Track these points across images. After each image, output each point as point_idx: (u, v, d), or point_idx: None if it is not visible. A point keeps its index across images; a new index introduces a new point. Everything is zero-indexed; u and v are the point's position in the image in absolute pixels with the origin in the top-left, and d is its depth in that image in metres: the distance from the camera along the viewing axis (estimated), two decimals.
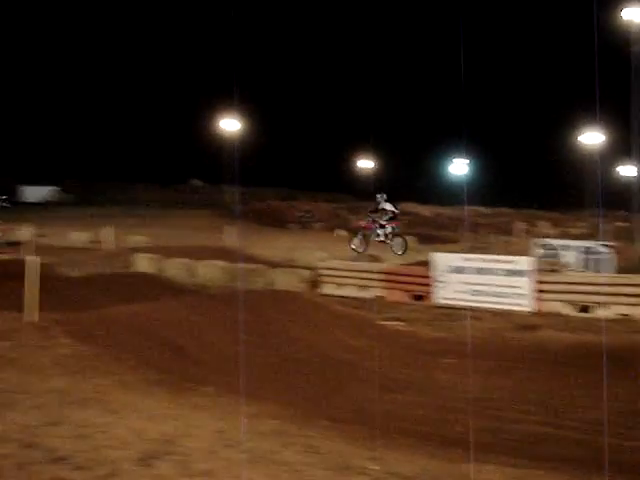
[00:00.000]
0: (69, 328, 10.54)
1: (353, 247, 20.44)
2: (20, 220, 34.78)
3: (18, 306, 11.71)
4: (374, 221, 20.15)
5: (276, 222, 42.79)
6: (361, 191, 61.01)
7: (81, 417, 7.40)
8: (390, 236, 19.89)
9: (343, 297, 17.23)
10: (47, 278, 15.04)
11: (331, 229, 42.28)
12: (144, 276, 17.41)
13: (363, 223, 20.70)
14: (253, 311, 12.89)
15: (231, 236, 26.57)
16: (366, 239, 20.42)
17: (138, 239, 26.65)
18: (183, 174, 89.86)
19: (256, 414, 8.14)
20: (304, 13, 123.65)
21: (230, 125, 56.84)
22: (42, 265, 12.20)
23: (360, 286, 17.75)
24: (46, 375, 9.12)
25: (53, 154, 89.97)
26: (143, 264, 19.51)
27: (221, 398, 8.63)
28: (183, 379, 9.33)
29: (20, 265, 18.22)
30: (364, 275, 17.95)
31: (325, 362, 11.29)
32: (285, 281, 17.81)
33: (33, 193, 77.22)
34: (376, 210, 20.42)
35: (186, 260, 19.05)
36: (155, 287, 15.42)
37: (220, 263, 18.66)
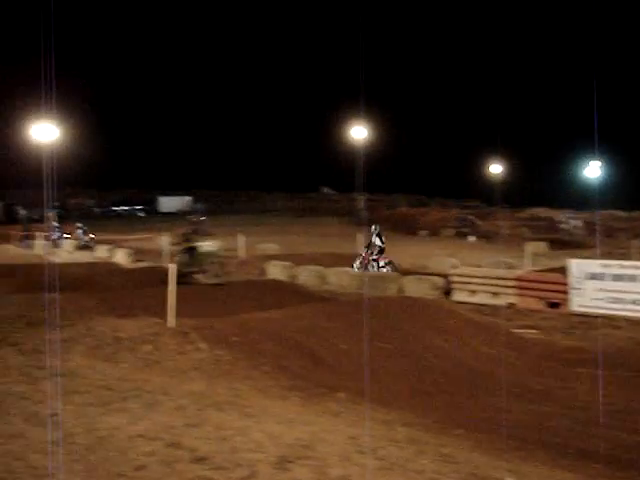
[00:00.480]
0: (206, 333, 10.86)
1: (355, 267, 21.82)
2: (154, 229, 36.24)
3: (156, 312, 12.18)
4: (369, 254, 22.00)
5: (406, 229, 42.58)
6: (491, 197, 60.05)
7: (219, 420, 7.62)
8: (386, 269, 21.54)
9: (475, 304, 16.96)
10: (183, 285, 15.62)
11: (461, 236, 41.75)
12: (277, 283, 17.73)
13: (363, 254, 22.36)
14: (384, 318, 12.89)
15: (361, 243, 26.71)
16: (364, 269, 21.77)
17: (270, 247, 27.18)
18: (314, 182, 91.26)
19: (389, 421, 8.13)
20: (430, 18, 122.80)
21: (359, 133, 57.11)
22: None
23: (493, 293, 17.41)
24: (186, 378, 9.45)
25: (188, 165, 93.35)
26: (275, 271, 19.91)
27: (354, 404, 8.67)
28: (316, 385, 9.43)
29: (156, 272, 19.09)
30: (497, 282, 17.59)
31: (458, 370, 11.14)
32: (416, 288, 17.72)
33: (168, 203, 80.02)
34: (369, 244, 22.29)
35: (318, 267, 19.29)
36: (288, 294, 15.66)
37: (351, 270, 18.78)
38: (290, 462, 6.27)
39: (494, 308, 16.44)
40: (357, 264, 22.10)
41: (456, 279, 18.36)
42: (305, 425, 7.51)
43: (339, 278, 18.77)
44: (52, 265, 21.18)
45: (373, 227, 22.73)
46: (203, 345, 10.47)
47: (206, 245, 17.55)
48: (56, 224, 34.52)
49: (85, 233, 33.24)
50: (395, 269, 21.77)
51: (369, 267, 21.71)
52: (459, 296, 17.84)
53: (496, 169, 67.62)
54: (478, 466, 6.69)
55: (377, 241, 22.13)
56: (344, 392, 9.06)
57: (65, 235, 32.86)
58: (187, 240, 18.15)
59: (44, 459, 6.36)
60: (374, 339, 11.56)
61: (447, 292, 18.27)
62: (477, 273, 18.55)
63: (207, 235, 18.19)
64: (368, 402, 8.76)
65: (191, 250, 17.79)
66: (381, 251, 22.09)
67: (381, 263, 21.69)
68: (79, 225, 34.11)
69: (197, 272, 17.47)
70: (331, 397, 8.90)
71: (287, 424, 7.50)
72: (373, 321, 12.31)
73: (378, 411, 8.48)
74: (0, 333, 12.37)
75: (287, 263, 20.39)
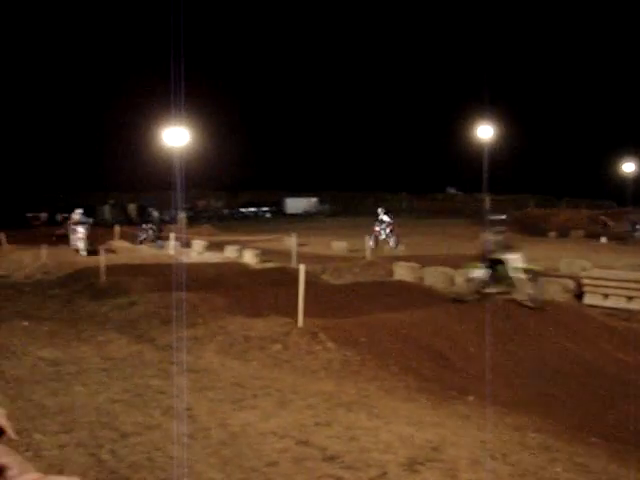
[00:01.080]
0: (335, 334, 10.96)
1: (370, 244, 26.21)
2: (281, 230, 36.81)
3: (285, 311, 12.39)
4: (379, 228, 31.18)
5: (535, 230, 41.44)
6: (623, 196, 57.65)
7: (348, 419, 7.68)
8: (389, 236, 30.82)
9: (609, 308, 16.31)
10: (311, 285, 15.81)
11: (592, 237, 40.29)
12: (404, 284, 17.65)
13: (375, 228, 31.17)
14: (515, 320, 12.63)
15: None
16: (375, 239, 30.10)
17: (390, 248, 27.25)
18: (439, 183, 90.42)
19: (519, 426, 7.95)
20: (556, 16, 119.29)
21: (485, 132, 56.16)
22: (306, 273, 12.80)
23: (628, 297, 16.69)
24: (315, 378, 9.58)
25: (315, 166, 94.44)
26: (402, 272, 19.83)
27: (483, 408, 8.53)
28: (445, 387, 9.35)
29: (284, 273, 19.42)
30: (632, 285, 16.86)
31: (592, 376, 10.76)
32: (548, 291, 17.21)
33: (294, 204, 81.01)
34: (381, 221, 31.34)
35: (445, 268, 19.09)
36: (415, 295, 15.57)
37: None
38: (420, 464, 6.25)
39: (629, 313, 15.76)
40: (370, 241, 27.06)
41: (588, 282, 17.71)
42: (434, 427, 7.46)
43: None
44: (183, 265, 21.89)
45: (380, 209, 32.20)
46: (332, 345, 10.56)
47: (514, 259, 14.69)
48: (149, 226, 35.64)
49: (155, 232, 34.34)
50: (396, 238, 31.02)
51: (380, 236, 30.91)
52: (591, 300, 17.20)
53: (629, 168, 64.93)
54: (615, 477, 6.46)
55: (385, 217, 31.30)
56: (473, 395, 8.94)
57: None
58: (493, 252, 15.19)
59: (181, 450, 6.61)
60: (503, 342, 11.34)
61: (578, 295, 17.65)
62: (611, 276, 17.83)
63: (510, 247, 15.15)
64: (497, 406, 8.61)
65: (496, 264, 15.06)
66: (389, 225, 31.25)
67: (387, 231, 30.98)
68: (148, 227, 35.19)
69: (503, 292, 15.01)
70: (460, 400, 8.79)
71: (416, 426, 7.47)
72: (502, 323, 12.09)
73: (508, 415, 8.32)
74: (137, 330, 12.95)
75: (414, 264, 20.25)
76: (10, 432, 2.08)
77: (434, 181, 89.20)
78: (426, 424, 7.57)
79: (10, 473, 1.73)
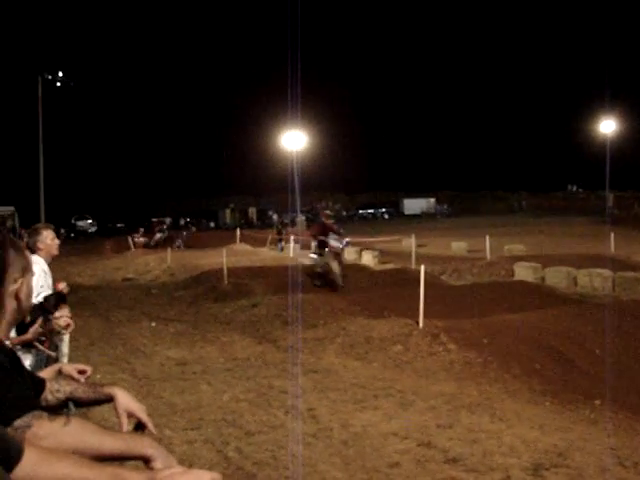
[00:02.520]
0: (455, 335, 10.86)
1: None
2: (400, 231, 36.69)
3: (405, 313, 12.37)
4: None
5: None
6: None
7: (470, 422, 7.61)
8: None
9: None
10: (431, 286, 15.70)
11: None
12: (525, 285, 17.23)
13: None
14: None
15: (613, 243, 25.31)
16: None
17: (516, 247, 26.60)
18: (560, 180, 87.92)
19: None
20: None
21: (608, 126, 54.22)
22: (426, 273, 12.74)
23: None
24: (436, 379, 9.52)
25: (432, 166, 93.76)
26: (523, 273, 19.40)
27: (611, 413, 8.24)
28: (569, 390, 9.09)
29: (403, 274, 19.36)
30: None
31: None
32: None
33: (411, 205, 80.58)
34: None
35: (567, 268, 18.55)
36: (537, 296, 15.18)
37: (603, 271, 17.86)
38: (545, 469, 6.12)
39: None
40: None
41: None
42: (559, 432, 7.28)
43: (591, 280, 17.90)
44: (303, 267, 22.18)
45: None
46: (453, 346, 10.48)
47: None
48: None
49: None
50: None
51: None
52: None
53: None
54: None
55: None
56: (600, 399, 8.64)
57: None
58: None
59: (304, 449, 6.73)
60: (630, 344, 10.92)
61: None
62: None
63: None
64: (627, 411, 8.30)
65: None
66: None
67: None
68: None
69: None
70: (586, 404, 8.52)
71: (540, 430, 7.32)
72: (628, 324, 11.63)
73: (639, 422, 8.00)
74: (260, 331, 13.24)
75: (535, 264, 19.75)
76: (150, 427, 2.21)
77: (554, 179, 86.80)
78: (551, 428, 7.39)
79: (155, 464, 1.84)
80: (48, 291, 5.49)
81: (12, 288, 1.43)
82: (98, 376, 9.19)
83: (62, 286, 6.51)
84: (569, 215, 55.73)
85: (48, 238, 5.99)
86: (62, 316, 5.17)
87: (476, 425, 7.46)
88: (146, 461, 1.88)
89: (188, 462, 6.35)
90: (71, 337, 8.79)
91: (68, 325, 5.24)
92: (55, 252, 6.10)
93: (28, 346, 4.77)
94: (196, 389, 9.24)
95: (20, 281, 1.45)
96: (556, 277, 18.71)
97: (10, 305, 1.43)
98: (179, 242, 36.03)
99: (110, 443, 1.90)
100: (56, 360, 5.13)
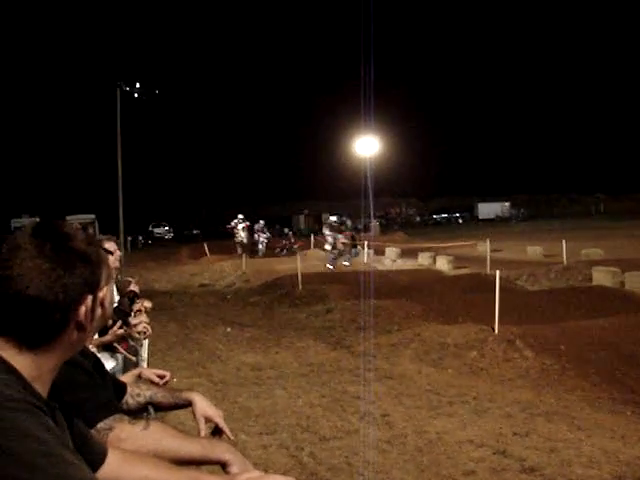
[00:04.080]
0: (532, 341, 10.67)
1: None
2: (474, 236, 36.26)
3: (480, 318, 12.23)
4: None
5: None
6: None
7: (548, 430, 7.46)
8: None
9: None
10: (506, 291, 15.47)
11: None
12: (603, 290, 16.80)
13: None
14: None
15: None
16: None
17: (594, 251, 25.95)
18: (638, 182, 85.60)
19: None
20: None
21: None
22: (501, 279, 12.56)
23: None
24: (512, 386, 9.38)
25: (507, 170, 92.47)
26: (601, 277, 18.93)
27: None
28: None
29: (478, 279, 19.14)
30: None
31: None
32: None
33: (486, 209, 79.61)
34: None
35: None
36: (616, 302, 14.78)
37: None
38: None
39: None
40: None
41: None
42: None
43: None
44: (377, 272, 22.13)
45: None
46: (529, 353, 10.30)
47: None
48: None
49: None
50: None
51: None
52: None
53: None
54: None
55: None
56: None
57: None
58: None
59: (378, 456, 6.72)
60: None
61: None
62: None
63: None
64: None
65: None
66: None
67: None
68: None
69: None
70: None
71: (622, 440, 7.12)
72: None
73: None
74: (334, 336, 13.28)
75: (614, 269, 19.24)
76: (227, 432, 2.25)
77: (633, 180, 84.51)
78: (633, 439, 7.18)
79: (232, 469, 1.88)
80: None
81: (101, 294, 1.48)
82: (175, 380, 9.35)
83: (133, 286, 6.69)
84: None
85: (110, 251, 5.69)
86: (140, 322, 5.31)
87: (554, 434, 7.31)
88: (223, 466, 1.92)
89: (263, 467, 6.41)
90: (149, 342, 9.01)
91: (146, 331, 5.38)
92: (116, 264, 5.64)
93: (109, 349, 4.92)
94: (271, 394, 9.32)
95: (105, 288, 1.50)
96: (636, 282, 18.16)
97: (97, 312, 1.48)
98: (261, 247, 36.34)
99: (188, 447, 1.95)
100: (136, 365, 5.26)
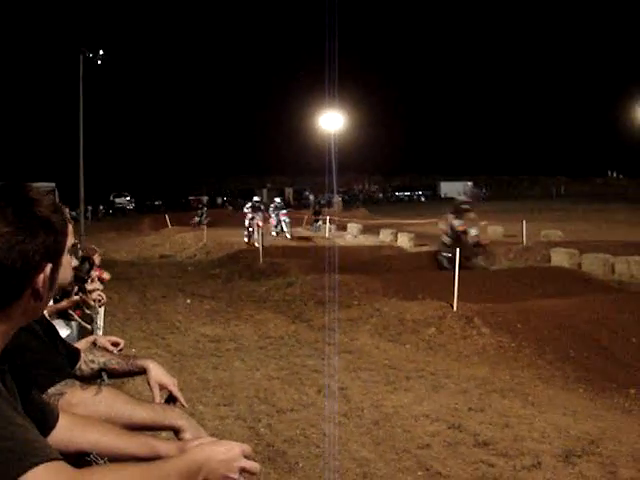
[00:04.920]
0: (489, 319, 10.80)
1: None
2: (436, 214, 36.45)
3: (439, 295, 12.32)
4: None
5: None
6: None
7: (502, 406, 7.58)
8: None
9: None
10: (466, 269, 15.60)
11: None
12: (560, 271, 17.04)
13: None
14: None
15: None
16: None
17: (553, 233, 26.27)
18: (600, 167, 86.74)
19: None
20: None
21: None
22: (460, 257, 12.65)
23: None
24: (469, 362, 9.50)
25: (469, 149, 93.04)
26: (559, 259, 19.19)
27: None
28: (603, 378, 8.99)
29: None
30: None
31: None
32: None
33: (448, 188, 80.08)
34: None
35: (605, 255, 18.30)
36: (573, 282, 15.00)
37: None
38: (576, 456, 6.07)
39: None
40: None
41: None
42: (592, 420, 7.22)
43: (629, 267, 17.65)
44: (338, 247, 22.17)
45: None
46: (486, 330, 10.43)
47: None
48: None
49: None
50: None
51: None
52: None
53: None
54: None
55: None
56: (635, 388, 8.54)
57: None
58: None
59: (335, 428, 6.77)
60: None
61: None
62: None
63: None
64: None
65: None
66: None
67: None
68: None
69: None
70: (620, 392, 8.43)
71: (572, 416, 7.26)
72: None
73: None
74: (294, 310, 13.30)
75: (572, 250, 19.51)
76: (181, 399, 2.24)
77: (594, 164, 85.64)
78: (584, 415, 7.34)
79: (184, 435, 1.87)
80: None
81: (62, 263, 1.44)
82: (133, 350, 9.31)
83: (97, 257, 6.63)
84: (608, 201, 54.92)
85: None
86: (95, 290, 5.26)
87: (507, 410, 7.43)
88: (176, 432, 1.91)
89: (219, 437, 6.36)
90: (108, 312, 8.94)
91: (101, 299, 5.33)
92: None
93: (64, 317, 4.87)
94: (229, 366, 9.33)
95: (66, 256, 1.47)
96: (593, 264, 18.46)
97: (56, 280, 1.44)
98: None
99: (141, 413, 1.93)
100: (91, 332, 5.22)
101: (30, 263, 1.35)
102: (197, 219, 35.22)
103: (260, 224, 26.15)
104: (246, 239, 26.58)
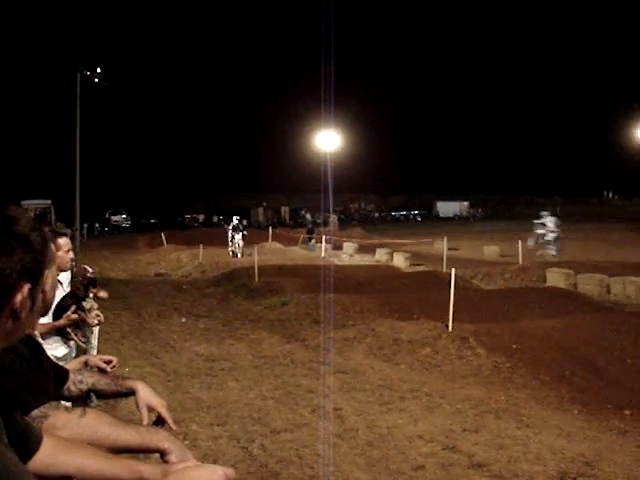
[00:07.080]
0: (485, 339, 10.78)
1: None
2: (432, 234, 36.49)
3: (435, 315, 12.31)
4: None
5: None
6: None
7: (497, 427, 7.55)
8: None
9: None
10: (461, 289, 15.61)
11: None
12: (556, 291, 17.05)
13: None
14: None
15: None
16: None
17: (548, 253, 26.34)
18: (596, 187, 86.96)
19: None
20: None
21: None
22: (456, 277, 12.66)
23: None
24: (464, 383, 9.47)
25: (466, 169, 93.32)
26: (555, 278, 19.22)
27: None
28: (598, 399, 8.97)
29: (433, 277, 19.30)
30: None
31: None
32: None
33: (445, 208, 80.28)
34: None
35: (601, 276, 18.32)
36: (569, 303, 15.00)
37: (637, 279, 17.59)
38: (572, 478, 6.05)
39: None
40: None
41: None
42: (587, 441, 7.19)
43: (624, 287, 17.67)
44: (334, 267, 22.17)
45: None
46: (482, 351, 10.41)
47: None
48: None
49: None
50: None
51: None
52: None
53: None
54: None
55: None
56: (630, 409, 8.52)
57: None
58: None
59: (329, 449, 6.73)
60: None
61: None
62: None
63: None
64: None
65: None
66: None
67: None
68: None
69: None
70: (616, 414, 8.40)
71: (567, 438, 7.23)
72: None
73: None
74: (289, 329, 13.27)
75: (567, 270, 19.55)
76: (170, 421, 2.22)
77: (590, 185, 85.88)
78: (579, 437, 7.30)
79: (170, 458, 1.86)
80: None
81: (43, 282, 1.40)
82: (127, 369, 9.28)
83: (90, 274, 6.61)
84: (604, 222, 55.05)
85: (63, 248, 4.75)
86: (92, 309, 5.24)
87: (502, 431, 7.40)
88: (162, 454, 1.89)
89: (213, 458, 6.39)
90: (102, 330, 8.91)
91: (100, 319, 5.31)
92: (67, 267, 4.95)
93: (63, 335, 4.84)
94: (223, 386, 9.29)
95: (46, 273, 1.43)
96: (588, 284, 18.50)
97: (38, 300, 1.40)
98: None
99: (126, 435, 1.92)
100: (85, 352, 5.19)
101: (6, 282, 1.30)
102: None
103: (240, 244, 30.14)
104: (230, 253, 30.43)
